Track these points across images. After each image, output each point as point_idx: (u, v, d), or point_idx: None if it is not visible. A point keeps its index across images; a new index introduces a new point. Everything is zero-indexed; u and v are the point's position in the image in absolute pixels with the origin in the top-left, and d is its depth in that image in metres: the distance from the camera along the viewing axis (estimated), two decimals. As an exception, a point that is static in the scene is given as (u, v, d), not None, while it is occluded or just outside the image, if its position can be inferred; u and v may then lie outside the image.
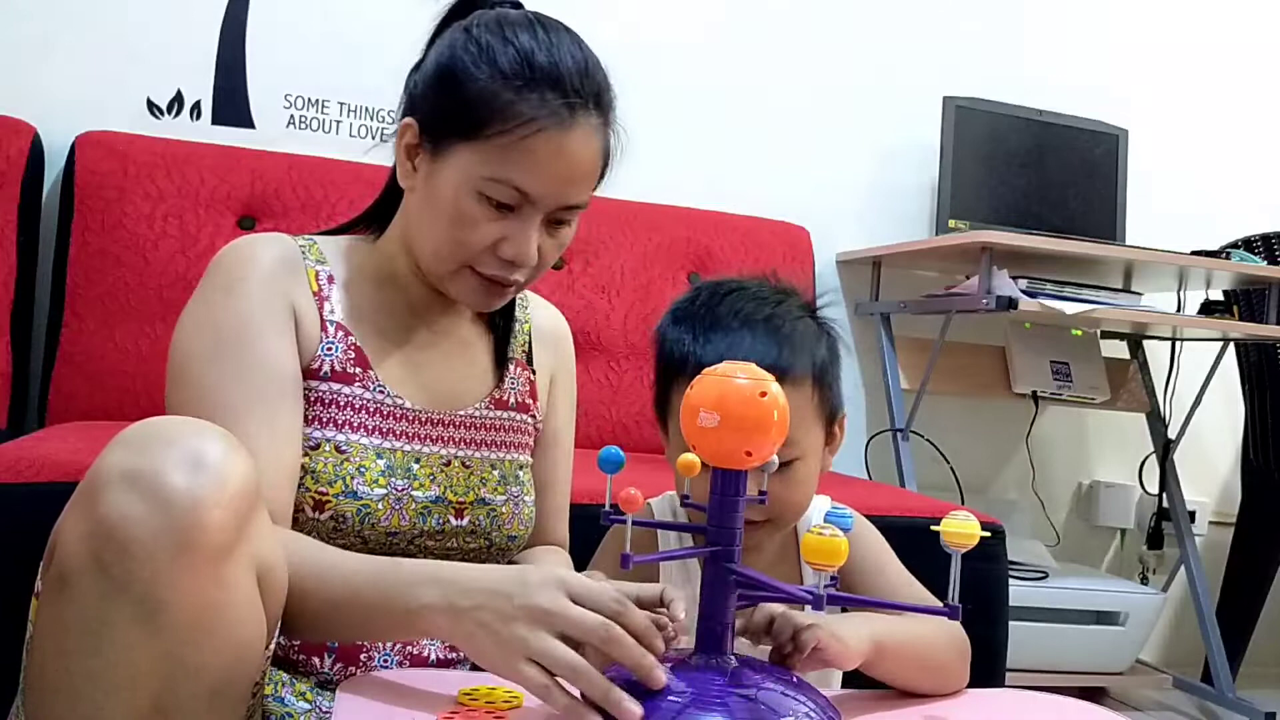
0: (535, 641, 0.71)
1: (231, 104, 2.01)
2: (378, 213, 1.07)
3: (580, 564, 1.10)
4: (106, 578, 0.66)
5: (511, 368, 1.10)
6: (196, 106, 1.99)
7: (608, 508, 0.76)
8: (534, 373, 1.13)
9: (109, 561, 0.66)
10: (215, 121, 2.00)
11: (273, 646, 0.81)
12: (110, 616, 0.67)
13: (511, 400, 1.09)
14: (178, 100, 1.98)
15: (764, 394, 0.69)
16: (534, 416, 1.12)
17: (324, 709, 0.92)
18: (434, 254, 0.96)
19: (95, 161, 1.78)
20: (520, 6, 0.99)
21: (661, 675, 0.70)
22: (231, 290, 0.94)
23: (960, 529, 0.65)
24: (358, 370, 0.97)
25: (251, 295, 0.94)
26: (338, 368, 0.97)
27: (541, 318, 1.17)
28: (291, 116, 2.05)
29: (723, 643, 0.73)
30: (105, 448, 0.69)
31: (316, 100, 2.06)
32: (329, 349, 0.97)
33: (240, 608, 0.72)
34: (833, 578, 0.70)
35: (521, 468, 1.09)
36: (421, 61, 0.99)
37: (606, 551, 1.04)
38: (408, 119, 0.96)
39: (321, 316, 0.97)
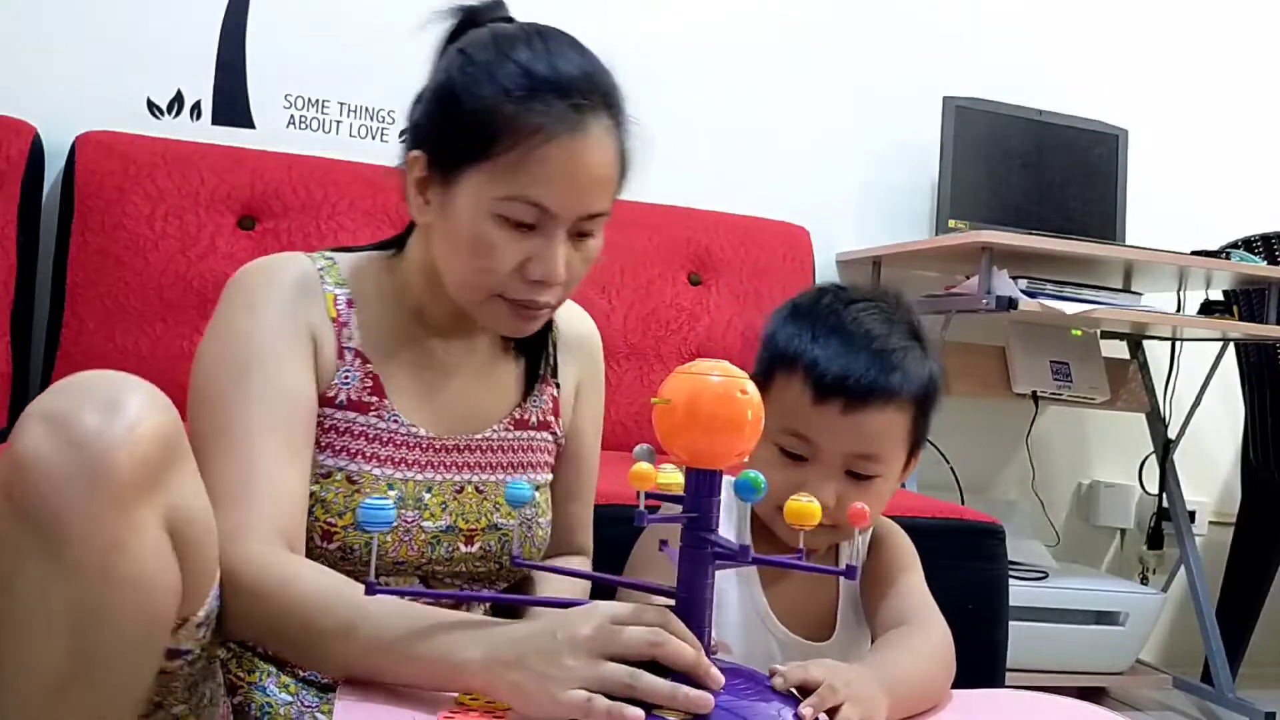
0: (584, 670, 0.69)
1: (231, 104, 2.01)
2: (407, 232, 1.04)
3: (608, 565, 1.08)
4: (13, 507, 0.67)
5: (535, 385, 1.08)
6: (196, 106, 1.99)
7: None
8: (557, 387, 1.11)
9: (17, 494, 0.67)
10: (215, 121, 2.00)
11: (203, 614, 0.78)
12: (17, 544, 0.67)
13: (533, 419, 1.07)
14: (178, 100, 1.98)
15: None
16: (555, 434, 1.10)
17: (306, 702, 0.92)
18: (460, 286, 0.93)
19: (95, 161, 1.78)
20: (512, 20, 0.95)
21: (719, 674, 0.70)
22: (253, 310, 0.93)
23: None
24: (373, 399, 0.96)
25: (272, 318, 0.93)
26: (353, 396, 0.96)
27: (568, 326, 1.13)
28: (291, 116, 2.05)
29: (702, 620, 0.73)
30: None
31: (316, 100, 2.06)
32: (346, 377, 0.96)
33: (149, 555, 0.71)
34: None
35: (538, 488, 1.06)
36: (423, 91, 0.95)
37: (643, 552, 1.02)
38: (415, 152, 0.92)
39: (339, 343, 0.96)
